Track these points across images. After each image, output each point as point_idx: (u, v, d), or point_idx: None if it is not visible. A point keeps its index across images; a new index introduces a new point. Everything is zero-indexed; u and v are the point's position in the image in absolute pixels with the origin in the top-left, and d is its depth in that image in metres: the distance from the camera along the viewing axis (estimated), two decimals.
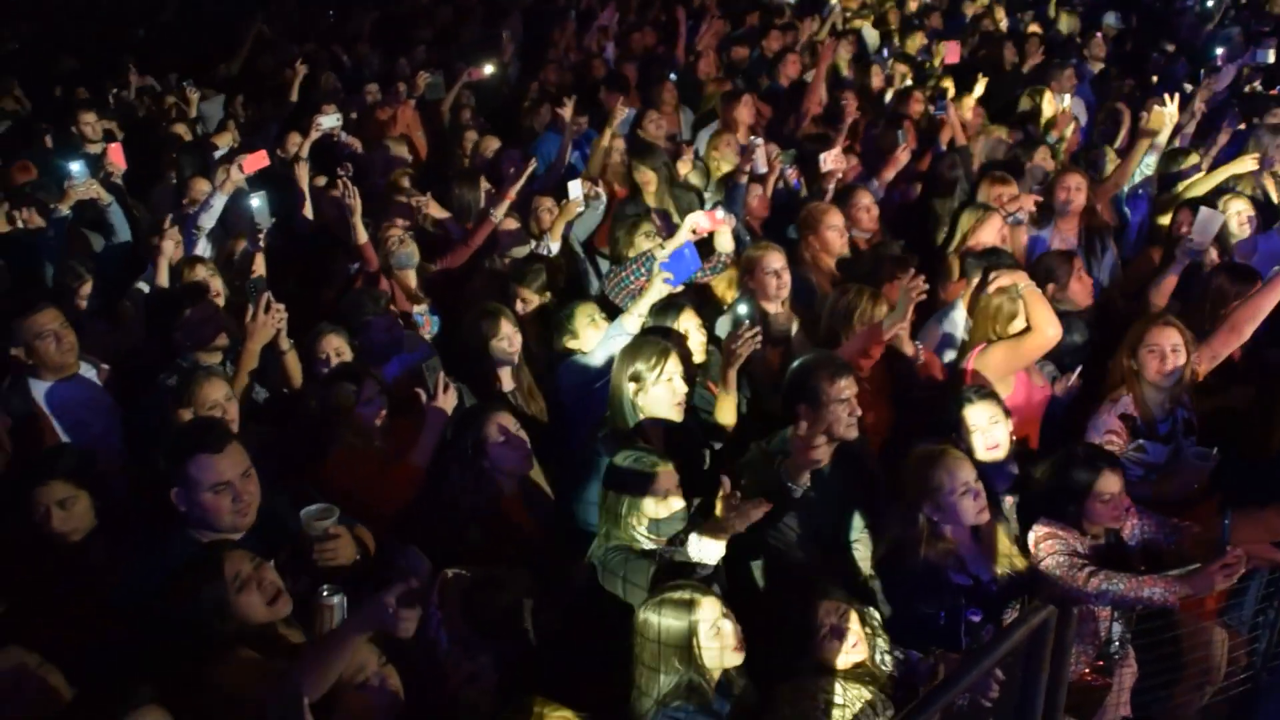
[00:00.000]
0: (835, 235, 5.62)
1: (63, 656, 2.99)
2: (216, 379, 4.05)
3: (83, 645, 3.24)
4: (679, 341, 4.28)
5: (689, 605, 3.02)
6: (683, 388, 3.95)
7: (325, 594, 2.95)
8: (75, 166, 6.09)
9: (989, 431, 4.01)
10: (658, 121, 7.62)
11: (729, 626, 3.03)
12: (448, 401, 4.01)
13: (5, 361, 4.41)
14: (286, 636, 2.98)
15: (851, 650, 3.20)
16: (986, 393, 4.13)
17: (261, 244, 5.52)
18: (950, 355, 4.90)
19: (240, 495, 3.24)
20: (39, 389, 4.36)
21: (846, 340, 4.54)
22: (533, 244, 6.01)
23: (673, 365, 3.93)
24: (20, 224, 5.95)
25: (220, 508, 3.23)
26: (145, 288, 5.38)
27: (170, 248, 5.32)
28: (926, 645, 3.37)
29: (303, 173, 6.52)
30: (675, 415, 3.97)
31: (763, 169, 6.53)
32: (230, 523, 3.25)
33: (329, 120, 7.10)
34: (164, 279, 5.27)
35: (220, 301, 5.06)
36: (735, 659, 3.05)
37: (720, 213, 5.40)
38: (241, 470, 3.24)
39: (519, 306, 5.15)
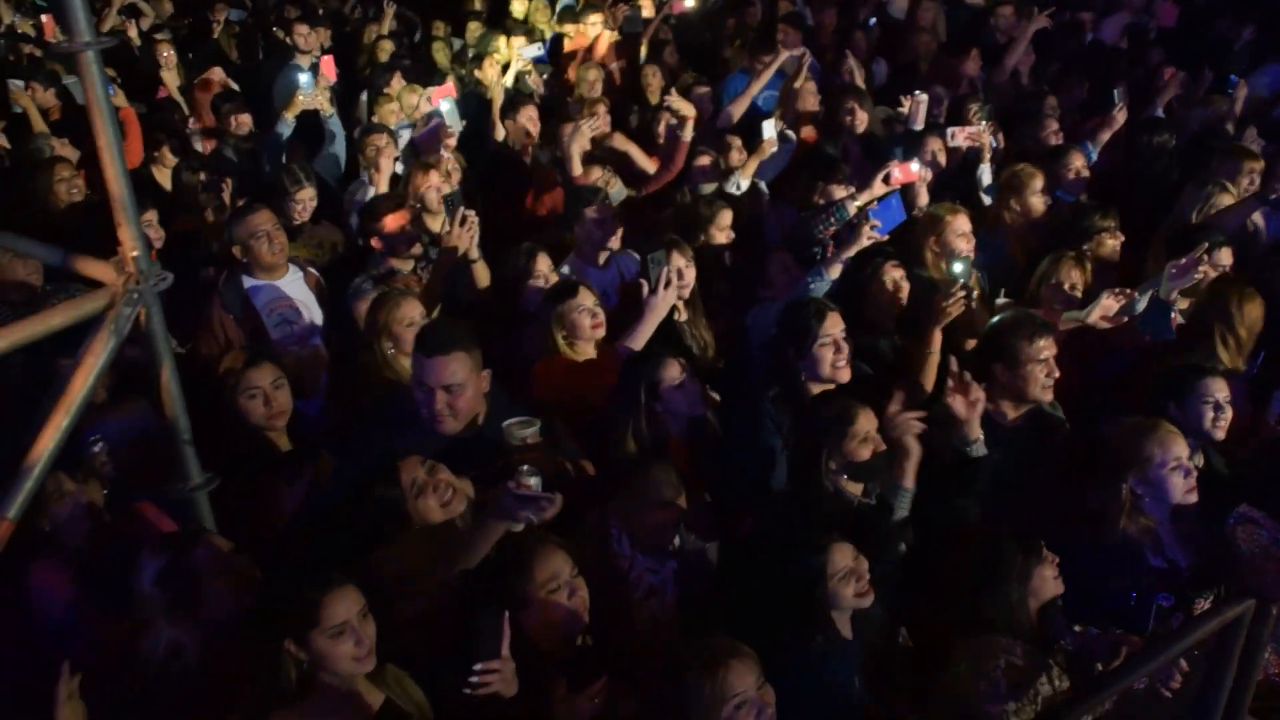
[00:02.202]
0: (1039, 200, 5.40)
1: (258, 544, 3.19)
2: (411, 299, 4.20)
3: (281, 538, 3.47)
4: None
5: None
6: (844, 348, 3.85)
7: (525, 472, 2.92)
8: (304, 78, 6.41)
9: (1225, 410, 3.76)
10: (855, 73, 7.38)
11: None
12: (669, 296, 4.10)
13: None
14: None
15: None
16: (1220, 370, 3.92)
17: (451, 146, 5.69)
18: None
19: (434, 401, 3.36)
20: (250, 285, 4.62)
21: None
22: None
23: (830, 326, 3.84)
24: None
25: (419, 404, 3.39)
26: (358, 196, 5.61)
27: (387, 163, 5.53)
28: (1105, 623, 3.26)
29: (497, 96, 6.64)
30: (841, 377, 3.87)
31: (918, 125, 6.28)
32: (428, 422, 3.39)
33: (532, 50, 7.18)
34: (384, 187, 5.47)
35: (437, 209, 5.29)
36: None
37: (915, 165, 5.26)
38: (443, 383, 3.34)
39: (703, 241, 5.12)
